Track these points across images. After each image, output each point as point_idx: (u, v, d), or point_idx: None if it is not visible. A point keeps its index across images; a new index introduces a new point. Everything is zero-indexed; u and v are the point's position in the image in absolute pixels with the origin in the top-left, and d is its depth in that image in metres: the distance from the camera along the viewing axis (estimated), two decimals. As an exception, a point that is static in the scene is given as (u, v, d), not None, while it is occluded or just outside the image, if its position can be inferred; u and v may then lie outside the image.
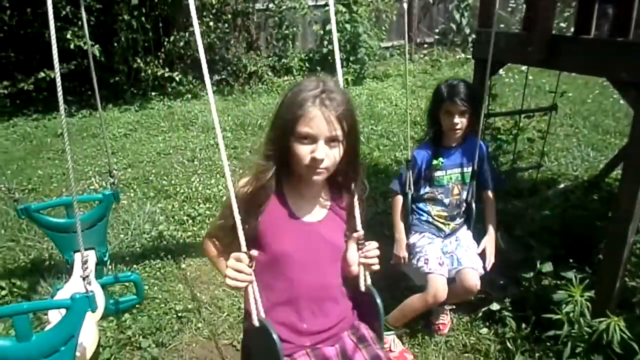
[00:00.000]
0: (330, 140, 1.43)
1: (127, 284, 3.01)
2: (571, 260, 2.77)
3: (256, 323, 1.44)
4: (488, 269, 2.50)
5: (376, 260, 1.61)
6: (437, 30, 9.37)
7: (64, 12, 6.47)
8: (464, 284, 2.41)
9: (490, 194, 2.67)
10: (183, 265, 3.33)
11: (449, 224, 2.61)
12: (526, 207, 3.40)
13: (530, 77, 6.26)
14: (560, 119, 5.77)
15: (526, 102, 5.54)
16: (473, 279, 2.40)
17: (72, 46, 6.44)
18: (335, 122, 1.42)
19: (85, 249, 2.69)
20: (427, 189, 2.61)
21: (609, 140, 5.20)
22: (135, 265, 3.29)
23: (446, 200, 2.59)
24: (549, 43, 2.46)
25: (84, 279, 1.73)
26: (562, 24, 6.33)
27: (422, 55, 9.19)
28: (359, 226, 1.60)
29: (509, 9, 8.47)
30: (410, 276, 2.70)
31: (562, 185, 4.00)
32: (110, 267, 3.17)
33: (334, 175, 1.54)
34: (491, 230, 2.60)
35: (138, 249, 3.52)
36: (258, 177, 1.53)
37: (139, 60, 7.06)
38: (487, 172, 2.64)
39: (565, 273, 2.61)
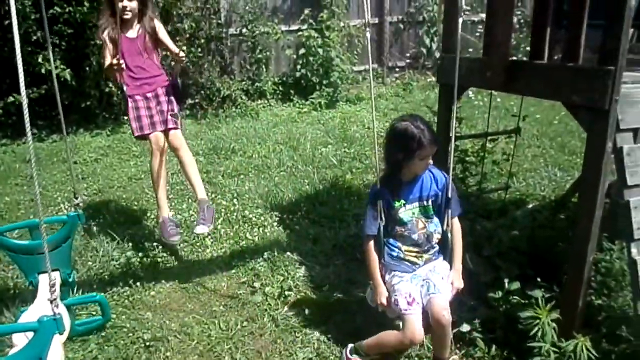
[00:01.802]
0: None
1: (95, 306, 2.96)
2: (539, 280, 2.80)
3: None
4: (450, 298, 2.41)
5: (183, 59, 3.60)
6: (408, 55, 9.55)
7: (34, 37, 6.42)
8: (432, 314, 2.31)
9: (456, 221, 2.56)
10: (152, 293, 3.27)
11: (422, 256, 2.51)
12: (495, 228, 3.44)
13: (498, 100, 6.46)
14: (528, 140, 5.91)
15: (495, 125, 5.67)
16: (439, 308, 2.31)
17: (42, 70, 6.39)
18: None
19: (50, 271, 2.68)
20: (394, 227, 2.50)
21: (575, 160, 5.32)
22: (102, 293, 3.20)
23: (414, 236, 2.48)
24: (507, 68, 2.54)
25: (51, 301, 1.70)
26: (528, 48, 6.52)
27: (394, 79, 9.34)
28: (173, 48, 3.62)
29: (477, 34, 8.69)
30: (377, 307, 2.57)
31: (530, 206, 4.08)
32: (77, 293, 3.11)
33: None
34: (457, 263, 2.50)
35: (106, 276, 3.46)
36: (107, 28, 3.45)
37: (110, 85, 7.01)
38: (451, 200, 2.50)
39: (532, 292, 2.64)
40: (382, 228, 2.46)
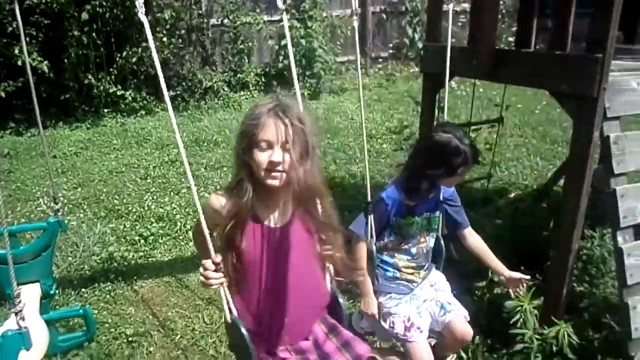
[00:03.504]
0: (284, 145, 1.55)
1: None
2: (522, 268, 2.81)
3: (229, 320, 1.60)
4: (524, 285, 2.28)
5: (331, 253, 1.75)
6: (391, 45, 9.54)
7: (10, 28, 6.27)
8: (456, 335, 2.17)
9: (471, 231, 2.38)
10: (135, 287, 3.23)
11: (418, 273, 2.27)
12: (478, 217, 3.45)
13: (481, 90, 6.48)
14: (510, 130, 5.94)
15: (478, 115, 5.68)
16: (463, 326, 2.17)
17: (19, 63, 6.23)
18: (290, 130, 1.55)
19: (30, 282, 2.57)
20: (392, 237, 2.24)
21: (557, 149, 5.38)
22: (83, 289, 3.16)
23: (413, 250, 2.24)
24: (493, 56, 2.53)
25: (16, 314, 1.63)
26: (510, 38, 6.54)
27: (377, 70, 9.32)
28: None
29: (459, 24, 8.69)
30: (368, 334, 2.37)
31: (512, 195, 4.10)
32: (57, 291, 3.04)
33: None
34: (501, 266, 2.32)
35: (87, 271, 3.40)
36: (238, 199, 1.62)
37: (90, 77, 6.89)
38: (459, 210, 2.34)
39: (516, 281, 2.65)
40: (374, 248, 2.16)
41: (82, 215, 4.17)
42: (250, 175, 1.60)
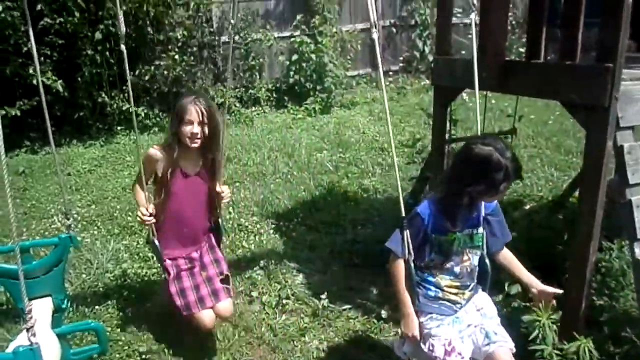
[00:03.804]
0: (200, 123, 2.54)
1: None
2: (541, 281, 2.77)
3: (152, 240, 2.65)
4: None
5: (227, 198, 2.86)
6: (401, 58, 9.55)
7: (25, 48, 6.38)
8: None
9: (506, 250, 2.28)
10: (148, 305, 3.22)
11: (463, 293, 2.16)
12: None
13: (493, 101, 6.45)
14: (524, 141, 5.89)
15: (490, 126, 5.65)
16: (509, 354, 2.04)
17: (35, 82, 6.34)
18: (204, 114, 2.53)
19: (42, 296, 2.60)
20: (433, 256, 2.13)
21: (572, 160, 5.32)
22: (97, 306, 3.16)
23: (456, 269, 2.14)
24: (502, 68, 2.52)
25: (27, 330, 1.63)
26: (521, 49, 6.52)
27: (387, 83, 9.32)
28: (219, 187, 2.78)
29: (469, 36, 8.69)
30: (409, 358, 2.23)
31: (527, 207, 4.05)
32: (71, 308, 3.06)
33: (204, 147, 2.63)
34: (533, 279, 2.22)
35: (101, 288, 3.41)
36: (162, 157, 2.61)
37: (103, 95, 6.97)
38: (500, 224, 2.23)
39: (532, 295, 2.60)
40: (412, 264, 2.08)
41: (95, 232, 4.19)
42: (178, 141, 2.56)
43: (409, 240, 2.04)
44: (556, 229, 3.36)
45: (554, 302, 2.16)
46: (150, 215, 2.58)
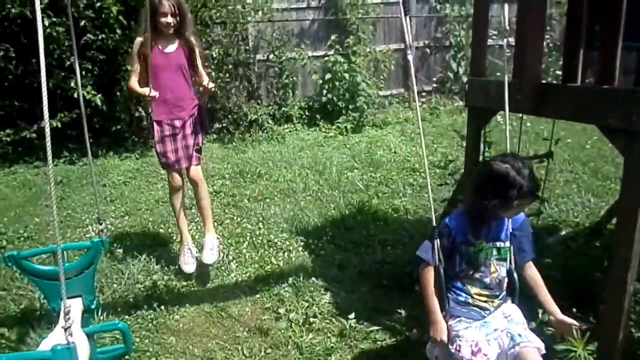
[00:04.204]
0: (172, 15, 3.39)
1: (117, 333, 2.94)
2: (574, 310, 2.69)
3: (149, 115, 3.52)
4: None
5: (212, 89, 3.71)
6: (434, 79, 9.52)
7: (68, 63, 6.62)
8: None
9: (531, 265, 2.32)
10: (176, 317, 3.25)
11: (492, 302, 2.24)
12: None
13: (528, 124, 6.35)
14: (560, 165, 5.77)
15: (525, 149, 5.55)
16: (537, 358, 2.06)
17: (75, 95, 6.56)
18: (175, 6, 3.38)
19: (72, 297, 2.68)
20: (463, 266, 2.23)
21: (609, 186, 5.17)
22: (127, 316, 3.21)
23: (486, 280, 2.23)
24: (538, 91, 2.49)
25: (65, 329, 1.69)
26: (558, 72, 6.42)
27: (420, 103, 9.30)
28: (203, 76, 3.68)
29: (504, 58, 8.61)
30: None
31: (563, 232, 3.95)
32: (101, 317, 3.11)
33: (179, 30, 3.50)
34: (554, 306, 2.24)
35: (131, 299, 3.45)
36: (145, 40, 3.33)
37: (140, 110, 7.15)
38: (526, 240, 2.29)
39: (567, 324, 2.52)
40: (442, 271, 2.18)
41: (128, 243, 4.26)
42: (155, 28, 3.32)
43: (439, 249, 2.16)
44: (593, 256, 3.26)
45: (574, 334, 2.15)
46: (153, 95, 3.33)
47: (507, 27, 2.50)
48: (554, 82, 3.20)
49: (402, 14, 2.29)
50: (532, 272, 2.31)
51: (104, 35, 6.73)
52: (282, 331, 3.07)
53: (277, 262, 3.92)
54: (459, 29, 9.22)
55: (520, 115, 3.74)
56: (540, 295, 2.27)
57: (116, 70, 7.02)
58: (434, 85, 9.52)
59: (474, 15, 3.17)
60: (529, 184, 2.04)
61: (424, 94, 9.46)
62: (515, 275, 2.25)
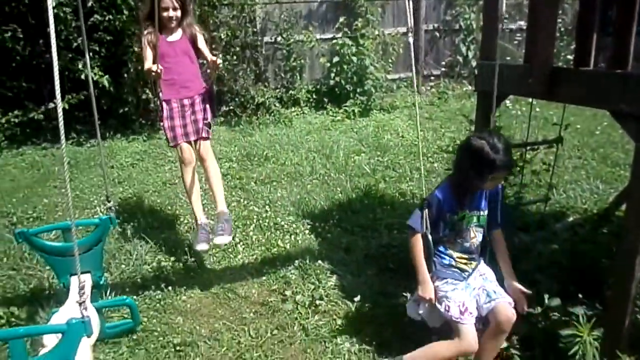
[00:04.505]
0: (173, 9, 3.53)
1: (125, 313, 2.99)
2: (581, 296, 2.68)
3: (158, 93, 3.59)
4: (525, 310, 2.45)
5: (219, 66, 3.61)
6: (443, 63, 9.44)
7: (75, 44, 6.60)
8: (500, 318, 2.33)
9: (500, 233, 2.59)
10: (183, 298, 3.28)
11: (471, 264, 2.52)
12: (533, 241, 3.33)
13: (537, 109, 6.29)
14: (569, 151, 5.73)
15: (533, 134, 5.52)
16: (509, 311, 2.34)
17: (82, 77, 6.56)
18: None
19: (82, 273, 2.72)
20: (447, 232, 2.49)
21: (619, 172, 5.14)
22: (134, 296, 3.23)
23: (466, 244, 2.50)
24: (549, 75, 2.46)
25: (80, 304, 1.72)
26: (569, 56, 6.34)
27: (429, 87, 9.23)
28: (209, 55, 3.64)
29: (515, 42, 8.53)
30: (422, 318, 2.54)
31: (570, 219, 3.93)
32: (109, 298, 3.14)
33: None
34: (512, 274, 2.50)
35: (139, 279, 3.49)
36: (149, 32, 3.50)
37: (147, 92, 7.14)
38: (494, 212, 2.54)
39: (574, 309, 2.53)
40: (430, 237, 2.43)
41: (135, 224, 4.28)
42: (160, 20, 3.31)
43: (427, 218, 2.41)
44: (601, 243, 3.25)
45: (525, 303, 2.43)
46: (157, 69, 3.33)
47: (504, 12, 2.53)
48: (565, 66, 3.16)
49: None
50: (498, 240, 2.58)
51: (111, 17, 6.69)
52: (288, 313, 3.09)
53: (284, 244, 3.93)
54: (469, 12, 9.10)
55: (530, 100, 3.72)
56: (502, 262, 2.54)
57: (123, 51, 7.00)
58: (443, 69, 9.44)
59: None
60: (502, 159, 2.25)
61: (432, 78, 9.39)
62: (486, 238, 2.56)
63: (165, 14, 3.49)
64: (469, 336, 2.30)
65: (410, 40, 2.31)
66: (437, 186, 2.56)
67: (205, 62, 3.80)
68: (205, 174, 3.77)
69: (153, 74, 3.39)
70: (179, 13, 3.56)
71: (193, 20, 3.76)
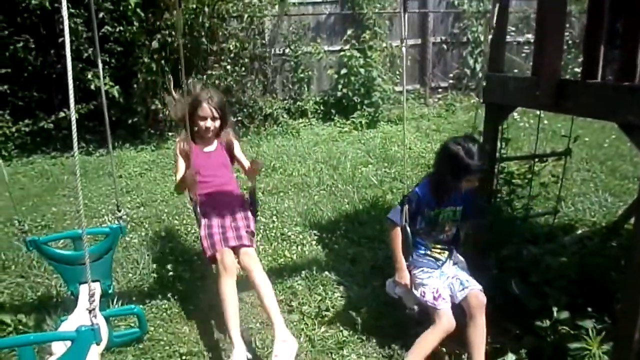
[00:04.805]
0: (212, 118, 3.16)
1: (132, 322, 2.99)
2: (590, 310, 2.66)
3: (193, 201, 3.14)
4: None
5: (258, 167, 3.12)
6: (451, 75, 9.46)
7: (86, 54, 6.69)
8: (472, 303, 2.55)
9: (475, 224, 2.97)
10: (190, 307, 3.28)
11: (445, 253, 2.78)
12: (542, 254, 3.30)
13: (545, 122, 6.28)
14: (577, 164, 5.71)
15: (542, 147, 5.50)
16: (480, 297, 2.56)
17: (92, 87, 6.63)
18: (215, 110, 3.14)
19: (91, 281, 2.73)
20: (423, 225, 2.72)
21: (627, 185, 5.11)
22: (141, 305, 3.23)
23: (440, 237, 2.76)
24: (557, 87, 2.46)
25: (90, 311, 1.72)
26: (577, 69, 6.34)
27: (436, 99, 9.25)
28: (246, 163, 3.24)
29: (523, 55, 8.54)
30: (400, 298, 2.84)
31: (579, 232, 3.91)
32: (116, 306, 3.15)
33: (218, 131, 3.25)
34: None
35: (146, 288, 3.49)
36: (182, 140, 3.16)
37: (157, 102, 7.20)
38: (468, 208, 2.79)
39: (583, 322, 2.50)
40: (408, 229, 2.63)
41: (143, 233, 4.30)
42: (197, 129, 3.14)
43: (407, 212, 2.60)
44: (610, 256, 3.22)
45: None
46: (194, 178, 2.91)
47: (494, 24, 2.87)
48: (573, 79, 3.16)
49: (402, 9, 2.44)
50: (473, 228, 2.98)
51: (121, 28, 6.80)
52: (295, 323, 3.08)
53: (291, 255, 3.93)
54: (477, 25, 9.14)
55: (538, 112, 3.71)
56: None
57: (133, 62, 7.09)
58: (451, 81, 9.46)
59: (493, 10, 3.14)
60: (476, 164, 2.47)
61: (440, 90, 9.41)
62: (461, 232, 2.87)
63: (202, 123, 3.11)
64: (445, 317, 2.53)
65: (403, 50, 2.53)
66: (417, 184, 2.77)
67: (240, 170, 3.44)
68: (254, 288, 2.90)
69: (190, 181, 2.92)
70: (217, 123, 3.16)
71: (231, 127, 3.40)
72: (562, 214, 4.21)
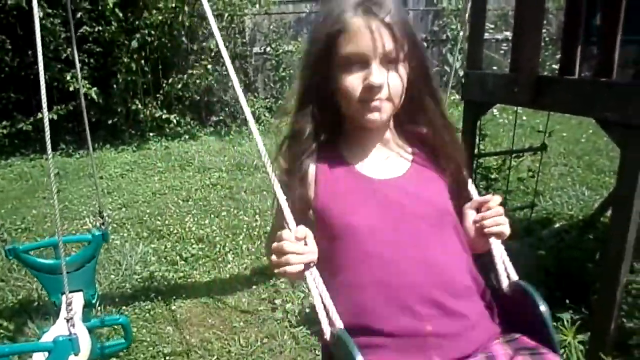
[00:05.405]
0: (387, 60, 1.05)
1: (115, 326, 2.96)
2: (568, 302, 2.72)
3: (330, 334, 0.97)
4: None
5: (502, 223, 1.17)
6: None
7: (64, 55, 6.60)
8: None
9: None
10: (173, 307, 3.27)
11: None
12: (520, 247, 3.37)
13: (524, 118, 6.38)
14: (555, 158, 5.80)
15: (520, 142, 5.59)
16: None
17: (71, 88, 6.55)
18: (389, 34, 1.03)
19: (73, 291, 2.68)
20: None
21: (604, 179, 5.20)
22: (124, 307, 3.23)
23: None
24: (535, 84, 2.50)
25: (67, 320, 1.70)
26: (554, 66, 6.44)
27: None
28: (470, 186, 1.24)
29: (502, 52, 8.64)
30: None
31: (557, 225, 3.98)
32: (99, 308, 3.13)
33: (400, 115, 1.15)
34: None
35: (128, 289, 3.47)
36: (293, 142, 1.19)
37: (137, 102, 7.15)
38: None
39: (561, 315, 2.56)
40: None
41: (125, 234, 4.27)
42: (333, 114, 1.17)
43: None
44: (587, 249, 3.30)
45: None
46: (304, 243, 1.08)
47: (467, 21, 2.72)
48: (551, 75, 3.21)
49: None
50: None
51: (100, 28, 6.72)
52: (279, 321, 3.10)
53: (274, 253, 3.93)
54: (456, 23, 9.22)
55: (516, 108, 3.78)
56: None
57: (113, 62, 7.02)
58: (431, 78, 9.53)
59: (471, 8, 3.18)
60: None
61: (420, 87, 9.47)
62: None
63: (364, 98, 1.00)
64: None
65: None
66: None
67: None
68: None
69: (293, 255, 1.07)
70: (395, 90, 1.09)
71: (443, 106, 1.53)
72: (540, 208, 4.28)
